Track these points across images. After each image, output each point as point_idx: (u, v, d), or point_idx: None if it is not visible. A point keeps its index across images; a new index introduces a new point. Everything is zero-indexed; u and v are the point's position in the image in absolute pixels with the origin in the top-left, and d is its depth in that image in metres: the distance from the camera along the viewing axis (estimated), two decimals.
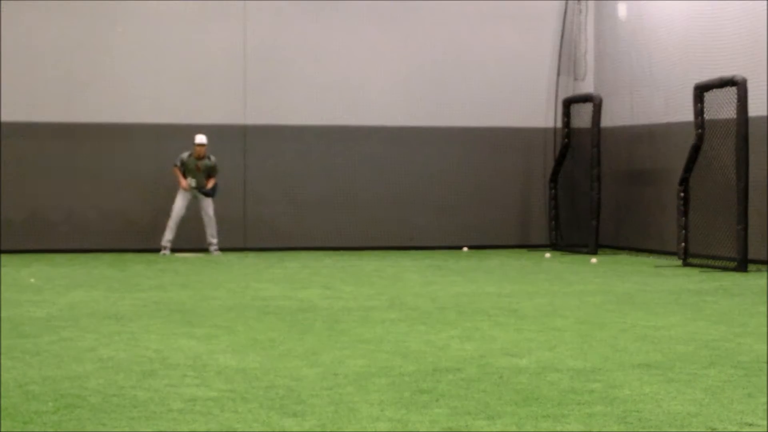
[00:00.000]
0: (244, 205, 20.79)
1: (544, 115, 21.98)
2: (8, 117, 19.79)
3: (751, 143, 16.98)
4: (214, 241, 19.88)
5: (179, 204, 19.72)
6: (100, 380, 7.75)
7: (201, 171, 19.68)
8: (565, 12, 22.03)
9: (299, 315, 11.42)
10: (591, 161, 20.69)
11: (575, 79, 22.09)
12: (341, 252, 20.65)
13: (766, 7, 17.57)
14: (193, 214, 20.21)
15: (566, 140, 21.54)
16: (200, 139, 19.66)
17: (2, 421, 6.48)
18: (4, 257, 18.63)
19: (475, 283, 14.91)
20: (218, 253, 19.82)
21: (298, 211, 21.00)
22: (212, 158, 19.79)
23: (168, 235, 19.70)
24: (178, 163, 19.70)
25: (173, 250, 19.77)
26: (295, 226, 21.00)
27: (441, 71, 21.46)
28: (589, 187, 20.79)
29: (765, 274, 16.32)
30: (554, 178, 21.65)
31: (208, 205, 19.78)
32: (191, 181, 19.67)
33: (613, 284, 14.96)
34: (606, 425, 6.47)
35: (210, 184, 19.76)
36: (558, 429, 6.38)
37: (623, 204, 21.36)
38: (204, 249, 20.04)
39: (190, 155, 19.69)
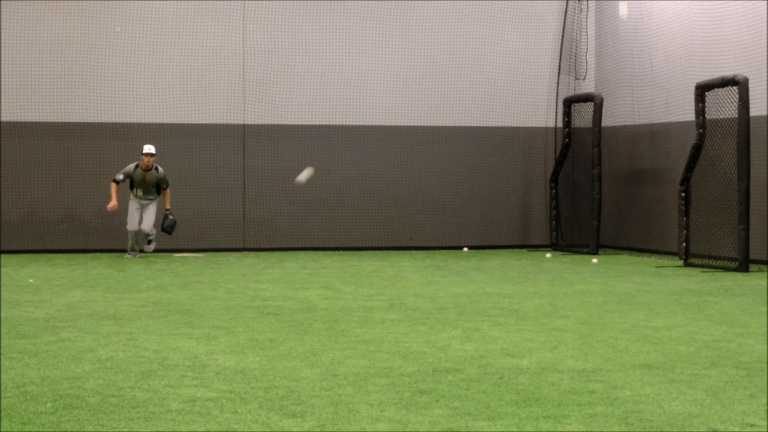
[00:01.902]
0: (243, 205, 20.77)
1: (544, 115, 21.97)
2: (8, 117, 19.78)
3: (752, 143, 16.96)
4: (151, 236, 19.18)
5: (132, 216, 18.81)
6: (99, 381, 7.73)
7: (148, 182, 18.83)
8: (566, 11, 22.01)
9: (299, 315, 11.40)
10: (592, 161, 20.67)
11: (576, 78, 22.07)
12: (341, 252, 20.64)
13: (766, 7, 17.54)
14: (196, 213, 20.21)
15: (567, 140, 21.52)
16: (147, 148, 18.76)
17: (1, 422, 6.46)
18: (3, 257, 18.61)
19: (475, 284, 14.88)
20: (153, 246, 19.18)
21: (297, 211, 20.98)
22: (160, 169, 18.92)
23: (130, 242, 18.99)
24: (121, 177, 18.79)
25: (173, 250, 19.76)
26: (294, 226, 20.98)
27: (441, 71, 21.44)
28: (589, 187, 20.78)
29: (766, 274, 16.30)
30: (555, 178, 21.62)
31: (151, 214, 18.93)
32: (138, 192, 18.84)
33: (614, 284, 14.92)
34: (607, 426, 6.45)
35: (166, 199, 18.88)
36: (559, 429, 6.35)
37: (624, 204, 21.34)
38: (202, 249, 19.99)
39: (136, 166, 18.82)
